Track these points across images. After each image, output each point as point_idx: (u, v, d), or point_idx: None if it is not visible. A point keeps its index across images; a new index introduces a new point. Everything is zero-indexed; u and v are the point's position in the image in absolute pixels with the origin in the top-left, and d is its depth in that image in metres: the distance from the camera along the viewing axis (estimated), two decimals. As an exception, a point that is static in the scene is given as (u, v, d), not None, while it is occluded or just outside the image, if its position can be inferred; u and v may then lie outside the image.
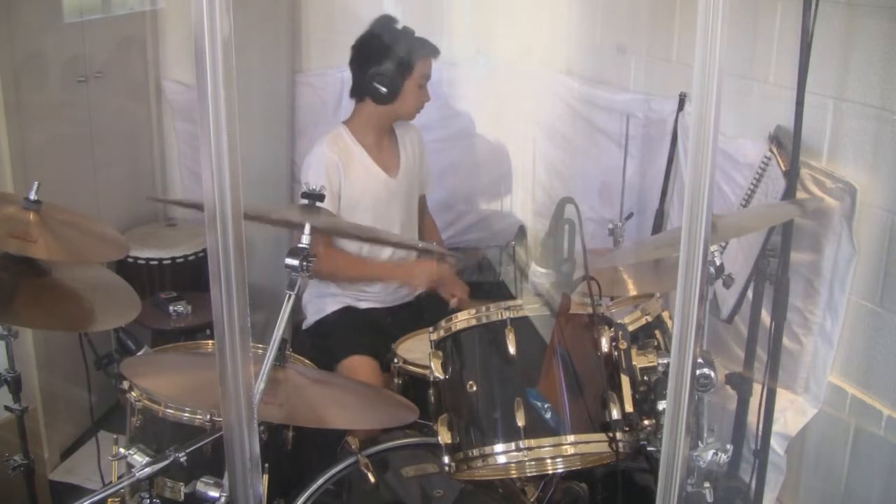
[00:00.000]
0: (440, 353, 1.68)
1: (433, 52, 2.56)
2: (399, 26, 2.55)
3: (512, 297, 2.87)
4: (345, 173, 2.51)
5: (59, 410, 2.69)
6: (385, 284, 2.60)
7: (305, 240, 1.55)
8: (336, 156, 2.50)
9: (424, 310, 2.60)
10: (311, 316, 2.63)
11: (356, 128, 2.58)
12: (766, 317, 2.11)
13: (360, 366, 2.35)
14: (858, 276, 1.99)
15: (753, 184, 2.17)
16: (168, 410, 1.79)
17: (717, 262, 1.68)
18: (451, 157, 3.47)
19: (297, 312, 2.68)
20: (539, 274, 1.67)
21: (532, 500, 1.83)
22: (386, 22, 2.54)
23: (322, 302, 2.61)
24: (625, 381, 1.58)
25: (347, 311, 2.57)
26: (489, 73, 3.49)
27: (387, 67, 2.48)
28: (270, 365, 1.46)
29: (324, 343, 2.52)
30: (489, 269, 3.37)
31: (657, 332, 1.71)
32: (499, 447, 1.56)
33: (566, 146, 3.32)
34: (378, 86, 2.50)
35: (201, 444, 1.61)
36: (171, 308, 2.83)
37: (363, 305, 2.59)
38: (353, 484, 1.76)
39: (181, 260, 3.08)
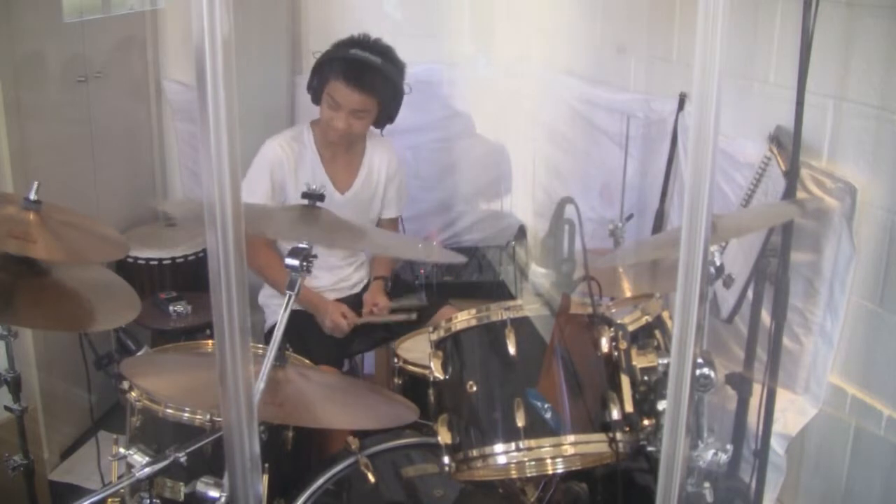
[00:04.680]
0: (440, 353, 1.68)
1: (343, 78, 2.38)
2: (353, 50, 2.42)
3: (512, 297, 2.88)
4: (292, 173, 2.48)
5: (59, 410, 2.69)
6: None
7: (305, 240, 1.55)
8: (285, 154, 2.47)
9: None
10: (270, 319, 2.64)
11: (319, 130, 2.55)
12: (766, 317, 2.11)
13: None
14: (858, 276, 1.99)
15: (753, 184, 2.17)
16: (168, 410, 1.79)
17: (717, 262, 1.68)
18: (451, 157, 3.47)
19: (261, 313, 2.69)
20: (539, 274, 1.68)
21: (532, 500, 1.84)
22: (345, 41, 2.47)
23: (275, 305, 2.61)
24: (625, 381, 1.58)
25: (296, 315, 2.52)
26: (489, 74, 3.49)
27: (311, 71, 2.47)
28: (270, 365, 1.46)
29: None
30: (489, 269, 3.37)
31: (657, 332, 1.71)
32: (499, 447, 1.56)
33: (566, 146, 3.32)
34: (308, 85, 2.50)
35: (201, 444, 1.61)
36: (171, 308, 2.83)
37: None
38: (353, 484, 1.76)
39: (181, 260, 3.08)
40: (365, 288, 2.72)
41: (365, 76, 2.41)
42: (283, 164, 2.46)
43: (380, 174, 2.66)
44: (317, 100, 2.48)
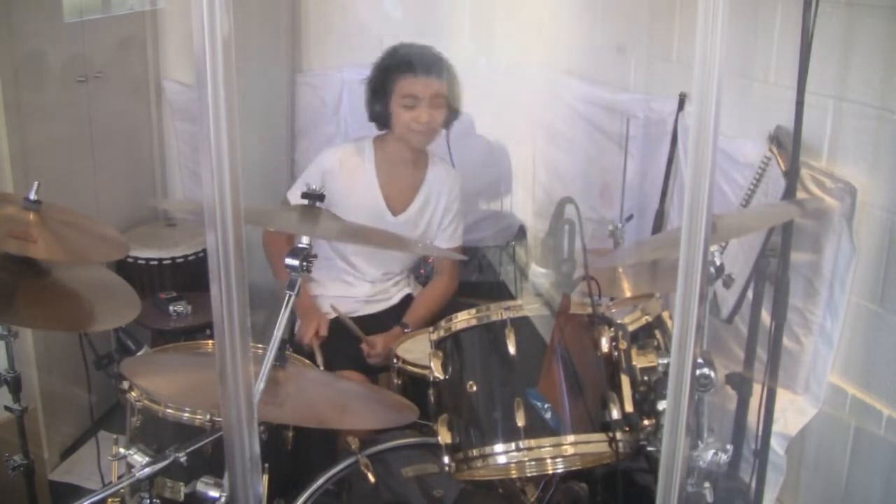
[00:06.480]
0: (440, 353, 1.68)
1: (413, 69, 2.39)
2: (406, 48, 2.45)
3: (512, 297, 2.88)
4: (345, 187, 2.45)
5: (59, 410, 2.69)
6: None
7: (305, 240, 1.55)
8: (341, 166, 2.46)
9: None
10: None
11: (381, 148, 2.52)
12: (766, 317, 2.11)
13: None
14: (858, 276, 1.99)
15: (753, 184, 2.17)
16: (168, 410, 1.79)
17: (717, 262, 1.68)
18: (452, 157, 3.46)
19: (295, 314, 2.67)
20: (539, 274, 1.68)
21: (532, 500, 1.83)
22: (391, 48, 2.47)
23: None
24: (625, 381, 1.58)
25: (333, 322, 2.49)
26: (489, 74, 3.49)
27: (370, 92, 2.46)
28: (270, 365, 1.46)
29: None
30: (489, 269, 3.37)
31: (657, 332, 1.71)
32: (499, 447, 1.56)
33: (566, 146, 3.32)
34: (370, 110, 2.48)
35: (201, 444, 1.62)
36: (171, 308, 2.83)
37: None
38: (353, 484, 1.76)
39: (181, 260, 3.08)
40: (401, 303, 2.65)
41: (429, 61, 2.42)
42: (336, 176, 2.44)
43: (438, 201, 2.58)
44: (386, 120, 2.45)
